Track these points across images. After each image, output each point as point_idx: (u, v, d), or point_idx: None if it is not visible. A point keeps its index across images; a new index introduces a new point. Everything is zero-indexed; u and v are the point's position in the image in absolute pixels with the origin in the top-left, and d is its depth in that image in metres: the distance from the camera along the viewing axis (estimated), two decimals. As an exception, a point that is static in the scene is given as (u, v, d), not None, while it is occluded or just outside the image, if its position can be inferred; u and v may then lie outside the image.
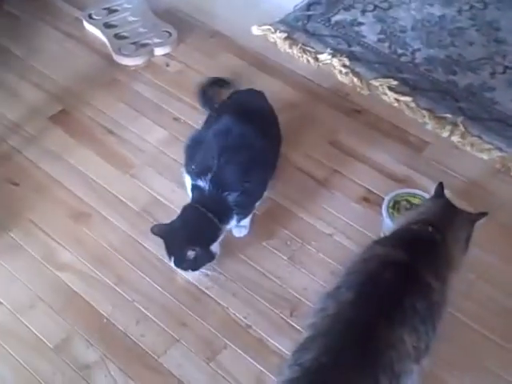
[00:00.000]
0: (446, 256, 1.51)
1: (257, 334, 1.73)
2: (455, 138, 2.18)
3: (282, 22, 2.62)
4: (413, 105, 2.28)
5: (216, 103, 2.15)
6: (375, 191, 2.04)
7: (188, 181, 1.88)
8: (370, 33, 2.57)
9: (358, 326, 1.33)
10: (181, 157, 1.98)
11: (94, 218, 2.01)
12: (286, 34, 2.55)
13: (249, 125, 1.84)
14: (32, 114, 2.32)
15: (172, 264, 1.79)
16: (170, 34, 2.57)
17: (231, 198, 1.78)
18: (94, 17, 2.66)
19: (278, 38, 2.55)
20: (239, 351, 1.70)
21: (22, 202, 2.05)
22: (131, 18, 2.66)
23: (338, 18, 2.64)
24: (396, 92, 2.32)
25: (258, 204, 1.89)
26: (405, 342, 1.32)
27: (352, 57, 2.46)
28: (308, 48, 2.50)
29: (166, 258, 1.82)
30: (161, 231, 1.79)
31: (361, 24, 2.61)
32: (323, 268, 1.86)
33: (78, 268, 1.89)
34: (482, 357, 1.68)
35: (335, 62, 2.43)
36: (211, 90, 2.26)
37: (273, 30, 2.57)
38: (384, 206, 1.90)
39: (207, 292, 1.82)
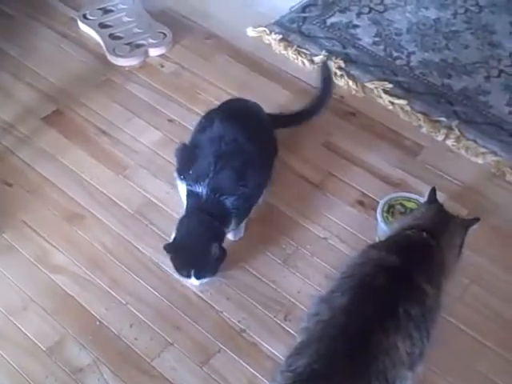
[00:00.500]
0: (441, 262, 1.51)
1: (251, 338, 1.73)
2: (450, 142, 2.19)
3: (278, 23, 2.62)
4: (408, 108, 2.28)
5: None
6: (370, 195, 2.04)
7: (182, 187, 1.88)
8: (365, 35, 2.56)
9: (351, 333, 1.33)
10: (174, 158, 1.97)
11: (87, 220, 2.00)
12: (281, 36, 2.54)
13: (242, 129, 1.84)
14: (25, 114, 2.31)
15: (190, 279, 1.76)
16: (165, 35, 2.56)
17: (229, 201, 1.78)
18: (89, 17, 2.65)
19: (273, 39, 2.54)
20: (233, 355, 1.69)
21: (14, 203, 2.04)
22: (126, 19, 2.65)
23: (333, 20, 2.63)
24: (391, 95, 2.32)
25: (254, 207, 1.89)
26: (398, 348, 1.32)
27: (347, 59, 2.45)
28: (303, 50, 2.50)
29: (178, 276, 1.79)
30: (174, 248, 1.77)
31: (356, 26, 2.60)
32: (318, 272, 1.86)
33: (71, 270, 1.88)
34: (476, 362, 1.68)
35: (330, 64, 2.43)
36: None
37: (268, 32, 2.56)
38: (379, 210, 1.90)
39: (201, 295, 1.81)
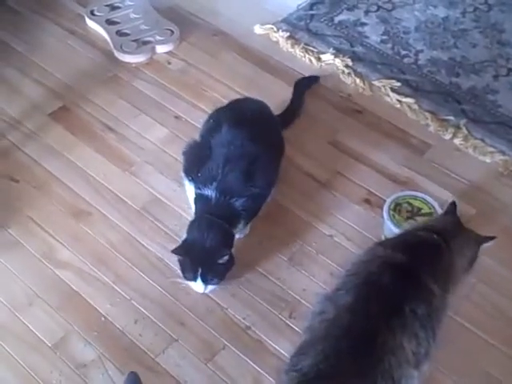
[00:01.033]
0: (449, 264, 1.49)
1: (256, 335, 1.72)
2: (458, 141, 2.17)
3: (285, 21, 2.61)
4: (415, 106, 2.27)
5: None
6: (376, 193, 2.03)
7: (190, 188, 1.88)
8: (373, 33, 2.56)
9: (357, 332, 1.32)
10: (181, 155, 1.97)
11: (93, 216, 2.00)
12: (288, 34, 2.54)
13: (250, 132, 1.84)
14: (32, 110, 2.31)
15: (196, 282, 1.74)
16: (173, 32, 2.56)
17: (238, 203, 1.78)
18: (96, 13, 2.65)
19: (280, 37, 2.53)
20: (238, 352, 1.69)
21: (21, 199, 2.04)
22: (133, 15, 2.64)
23: (341, 17, 2.63)
24: (398, 93, 2.31)
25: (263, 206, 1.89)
26: (404, 347, 1.31)
27: (355, 57, 2.45)
28: (310, 48, 2.49)
29: (184, 281, 1.76)
30: (184, 250, 1.76)
31: (364, 24, 2.59)
32: (323, 269, 1.85)
33: (76, 266, 1.88)
34: (482, 362, 1.67)
35: (338, 62, 2.42)
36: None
37: (275, 29, 2.56)
38: (385, 208, 1.89)
39: (206, 292, 1.81)
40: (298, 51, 2.48)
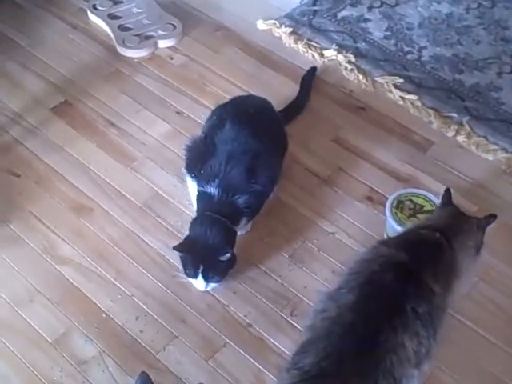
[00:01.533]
0: (451, 262, 1.49)
1: (257, 333, 1.72)
2: (460, 138, 2.17)
3: (288, 16, 2.60)
4: (418, 103, 2.27)
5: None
6: (379, 190, 2.03)
7: (192, 185, 1.87)
8: (376, 29, 2.54)
9: (359, 330, 1.32)
10: (182, 151, 1.96)
11: (94, 212, 1.99)
12: (291, 29, 2.53)
13: (252, 129, 1.84)
14: (34, 105, 2.30)
15: (197, 279, 1.74)
16: (175, 27, 2.55)
17: (241, 200, 1.78)
18: (99, 7, 2.64)
19: (283, 32, 2.52)
20: (239, 349, 1.69)
21: (22, 194, 2.04)
22: (136, 10, 2.63)
23: (344, 13, 2.61)
24: (401, 90, 2.30)
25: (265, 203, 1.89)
26: (406, 346, 1.31)
27: (358, 53, 2.44)
28: (313, 43, 2.48)
29: (185, 276, 1.76)
30: (185, 247, 1.75)
31: (367, 20, 2.58)
32: (324, 267, 1.85)
33: (77, 262, 1.87)
34: (484, 360, 1.67)
35: (340, 58, 2.41)
36: None
37: (278, 25, 2.55)
38: (387, 206, 1.88)
39: (207, 289, 1.80)
40: (300, 47, 2.47)
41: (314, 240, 1.91)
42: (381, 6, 2.64)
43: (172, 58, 2.48)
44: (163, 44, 2.51)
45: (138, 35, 2.52)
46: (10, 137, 2.20)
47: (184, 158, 1.93)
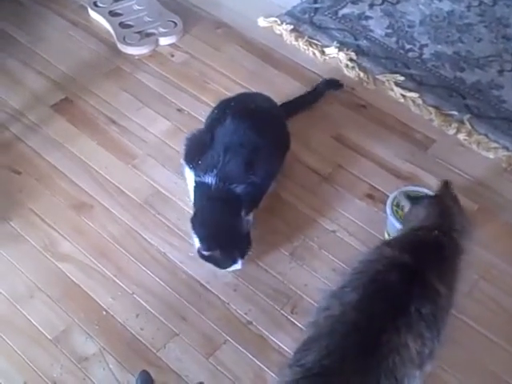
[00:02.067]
0: (455, 260, 1.49)
1: (257, 331, 1.72)
2: (461, 136, 2.16)
3: (289, 14, 2.60)
4: (419, 101, 2.26)
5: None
6: (379, 188, 2.02)
7: (190, 175, 1.87)
8: (377, 27, 2.54)
9: (362, 329, 1.31)
10: (183, 147, 1.96)
11: (95, 209, 1.99)
12: (292, 27, 2.52)
13: (253, 125, 1.84)
14: (34, 102, 2.30)
15: (237, 263, 1.77)
16: (176, 24, 2.54)
17: (239, 189, 1.78)
18: (100, 4, 2.64)
19: (284, 30, 2.52)
20: (239, 347, 1.69)
21: (23, 191, 2.04)
22: (137, 7, 2.63)
23: (345, 11, 2.61)
24: (402, 88, 2.30)
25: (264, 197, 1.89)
26: (409, 347, 1.30)
27: (359, 51, 2.43)
28: (314, 41, 2.48)
29: (222, 270, 1.80)
30: (212, 243, 1.75)
31: (368, 18, 2.58)
32: (325, 264, 1.85)
33: (78, 259, 1.87)
34: (485, 360, 1.66)
35: (341, 55, 2.41)
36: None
37: (279, 22, 2.54)
38: (388, 204, 1.88)
39: (208, 286, 1.80)
40: (301, 44, 2.47)
41: (314, 238, 1.91)
42: (382, 3, 2.64)
43: (173, 56, 2.47)
44: (164, 41, 2.51)
45: (138, 32, 2.52)
46: (11, 134, 2.20)
47: (183, 148, 1.93)
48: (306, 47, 2.46)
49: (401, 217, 1.85)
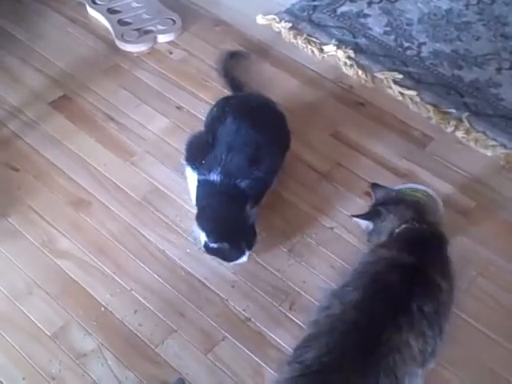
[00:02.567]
0: (445, 248, 1.50)
1: (255, 327, 1.72)
2: (459, 134, 2.17)
3: (288, 11, 2.60)
4: (417, 99, 2.27)
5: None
6: (378, 185, 2.03)
7: (192, 176, 1.88)
8: (375, 25, 2.54)
9: (362, 328, 1.32)
10: (182, 146, 1.96)
11: (93, 206, 1.99)
12: (290, 24, 2.52)
13: (254, 122, 1.86)
14: (33, 99, 2.30)
15: (244, 255, 1.78)
16: (174, 22, 2.54)
17: (244, 184, 1.80)
18: (98, 2, 2.63)
19: (282, 27, 2.52)
20: (237, 343, 1.69)
21: (21, 188, 2.04)
22: (135, 4, 2.63)
23: (343, 9, 2.61)
24: (401, 85, 2.30)
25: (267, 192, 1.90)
26: (411, 345, 1.31)
27: (357, 49, 2.43)
28: (313, 39, 2.48)
29: (229, 263, 1.81)
30: (220, 235, 1.76)
31: (367, 16, 2.58)
32: (323, 261, 1.85)
33: (76, 255, 1.87)
34: (485, 357, 1.67)
35: (340, 53, 2.41)
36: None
37: (278, 20, 2.55)
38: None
39: (206, 283, 1.81)
40: (300, 42, 2.47)
41: (312, 235, 1.91)
42: (380, 1, 2.64)
43: (171, 53, 2.47)
44: (162, 39, 2.51)
45: (137, 30, 2.52)
46: (9, 131, 2.20)
47: (185, 149, 1.93)
48: (304, 45, 2.46)
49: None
